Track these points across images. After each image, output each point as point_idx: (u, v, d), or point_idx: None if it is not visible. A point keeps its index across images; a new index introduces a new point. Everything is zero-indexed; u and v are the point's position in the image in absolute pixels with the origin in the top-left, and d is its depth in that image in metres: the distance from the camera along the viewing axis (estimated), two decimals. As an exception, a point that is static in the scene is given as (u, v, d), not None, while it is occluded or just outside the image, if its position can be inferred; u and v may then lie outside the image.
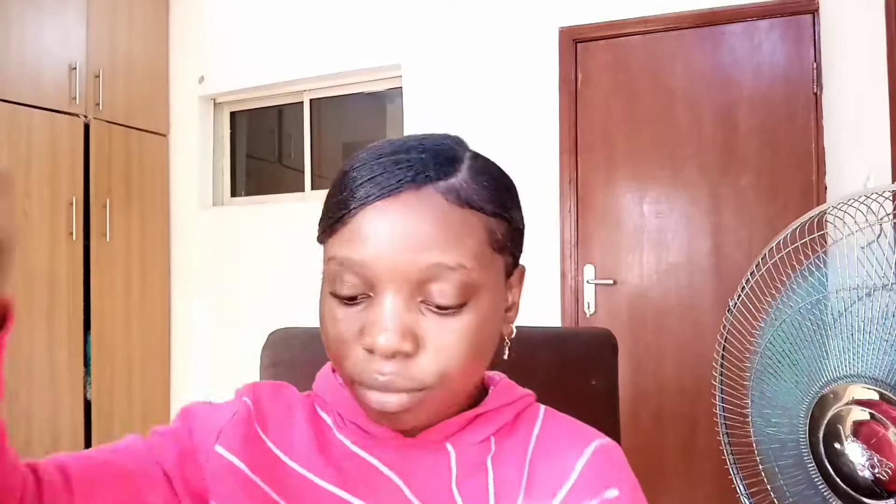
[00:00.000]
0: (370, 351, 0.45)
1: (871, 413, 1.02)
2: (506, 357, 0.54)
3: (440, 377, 0.46)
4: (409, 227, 0.44)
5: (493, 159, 0.52)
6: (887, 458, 0.99)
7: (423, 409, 0.46)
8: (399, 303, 0.45)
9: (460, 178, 0.47)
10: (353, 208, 0.45)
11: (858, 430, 1.03)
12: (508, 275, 0.52)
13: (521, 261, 0.54)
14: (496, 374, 0.58)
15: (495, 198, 0.49)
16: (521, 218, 0.52)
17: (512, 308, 0.54)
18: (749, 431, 1.28)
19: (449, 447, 0.51)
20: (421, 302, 0.45)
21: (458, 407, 0.51)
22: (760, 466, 1.25)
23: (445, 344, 0.46)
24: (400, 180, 0.45)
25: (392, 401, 0.45)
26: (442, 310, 0.45)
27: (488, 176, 0.49)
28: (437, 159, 0.47)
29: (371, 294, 0.45)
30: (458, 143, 0.51)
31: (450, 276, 0.45)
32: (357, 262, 0.45)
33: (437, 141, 0.49)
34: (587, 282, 2.35)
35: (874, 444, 1.00)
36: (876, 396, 1.02)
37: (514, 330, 0.55)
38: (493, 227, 0.48)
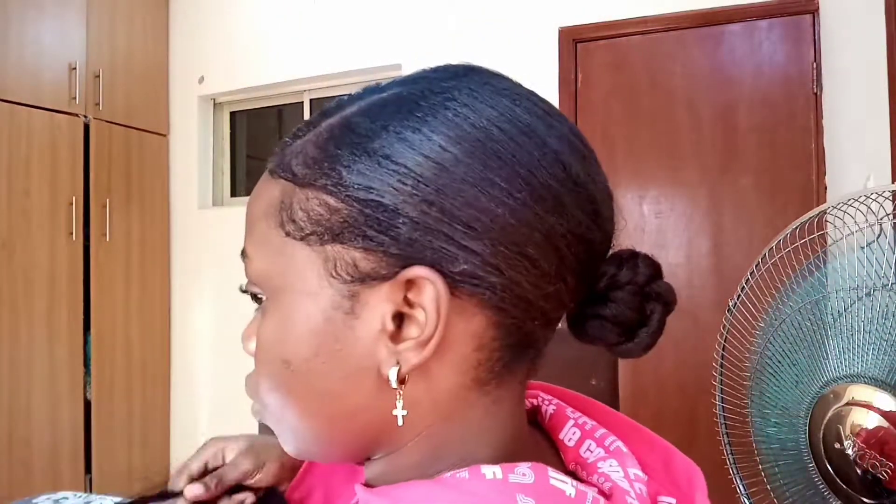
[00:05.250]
0: None
1: (870, 413, 1.02)
2: (399, 424, 0.33)
3: (254, 391, 0.37)
4: None
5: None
6: (887, 458, 0.99)
7: (278, 433, 0.38)
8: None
9: (304, 139, 0.34)
10: None
11: (859, 430, 1.03)
12: (358, 278, 0.31)
13: None
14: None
15: (308, 153, 0.32)
16: (367, 184, 0.30)
17: (401, 337, 0.31)
18: (749, 431, 1.28)
19: None
20: None
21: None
22: (760, 466, 1.25)
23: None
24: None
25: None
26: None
27: (327, 122, 0.33)
28: (304, 122, 0.36)
29: None
30: (372, 90, 0.35)
31: (246, 268, 0.37)
32: None
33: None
34: (587, 282, 2.34)
35: (874, 443, 1.00)
36: (876, 396, 1.02)
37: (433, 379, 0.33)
38: (290, 197, 0.32)
